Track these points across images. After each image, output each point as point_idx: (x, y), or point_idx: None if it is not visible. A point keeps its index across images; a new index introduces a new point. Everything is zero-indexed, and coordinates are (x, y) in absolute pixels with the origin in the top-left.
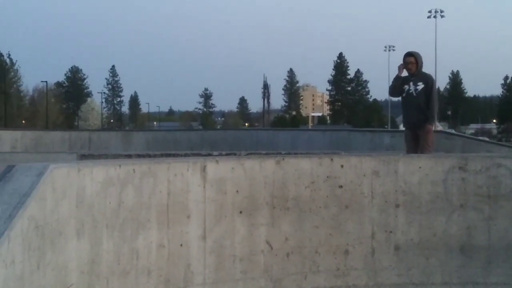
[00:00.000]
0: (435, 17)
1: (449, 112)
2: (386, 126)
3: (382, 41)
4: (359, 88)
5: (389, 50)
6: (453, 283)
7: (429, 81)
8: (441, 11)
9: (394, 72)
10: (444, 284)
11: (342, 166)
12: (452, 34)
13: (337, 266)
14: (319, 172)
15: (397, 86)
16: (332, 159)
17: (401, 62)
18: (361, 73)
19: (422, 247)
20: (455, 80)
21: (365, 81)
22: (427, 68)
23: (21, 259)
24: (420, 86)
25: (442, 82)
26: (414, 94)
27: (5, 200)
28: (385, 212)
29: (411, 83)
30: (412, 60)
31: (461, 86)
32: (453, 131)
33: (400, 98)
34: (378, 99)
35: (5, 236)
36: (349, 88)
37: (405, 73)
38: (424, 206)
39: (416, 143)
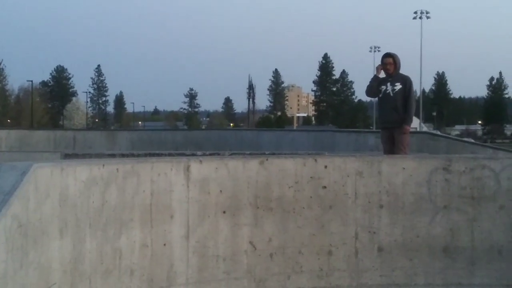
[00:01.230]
0: (420, 18)
1: (434, 113)
2: (371, 127)
3: (368, 42)
4: (344, 88)
5: (375, 51)
6: (437, 284)
7: (407, 82)
8: (427, 12)
9: None
10: (427, 285)
11: (326, 166)
12: (438, 36)
13: (320, 267)
14: (303, 173)
15: (374, 86)
16: (316, 160)
17: (380, 63)
18: (347, 74)
19: (406, 248)
20: (441, 81)
21: (350, 81)
22: (413, 69)
23: (4, 258)
24: (398, 86)
25: (427, 83)
26: (391, 94)
27: None
28: (368, 212)
29: (388, 84)
30: (390, 61)
31: (447, 87)
32: (438, 132)
33: (377, 99)
34: (363, 100)
35: None
36: (334, 89)
37: (383, 74)
38: (407, 207)
39: (391, 143)
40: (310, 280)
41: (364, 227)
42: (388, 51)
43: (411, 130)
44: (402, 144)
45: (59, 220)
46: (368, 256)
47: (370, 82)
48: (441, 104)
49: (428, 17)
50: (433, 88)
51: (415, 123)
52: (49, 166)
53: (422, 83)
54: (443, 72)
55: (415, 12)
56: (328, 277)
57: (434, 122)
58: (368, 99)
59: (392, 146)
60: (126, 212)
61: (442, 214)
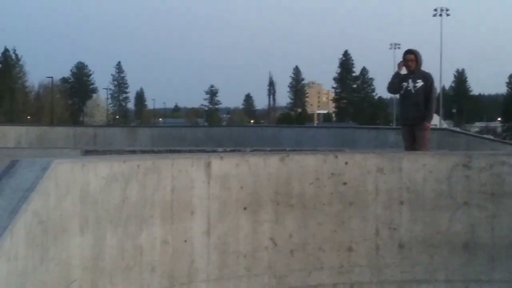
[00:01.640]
0: (440, 15)
1: (454, 110)
2: (391, 124)
3: (388, 39)
4: (365, 85)
5: (395, 48)
6: (457, 280)
7: (429, 79)
8: (447, 10)
9: None
10: (447, 282)
11: (346, 163)
12: (458, 33)
13: (341, 263)
14: (324, 169)
15: (395, 83)
16: (336, 156)
17: (401, 59)
18: (367, 71)
19: (426, 244)
20: (460, 78)
21: (371, 78)
22: (433, 67)
23: (24, 254)
24: (419, 83)
25: (447, 81)
26: (413, 91)
27: (9, 195)
28: (389, 209)
29: (410, 81)
30: (412, 57)
31: (466, 85)
32: (458, 129)
33: (398, 96)
34: (384, 96)
35: (8, 231)
36: (354, 86)
37: (404, 71)
38: (428, 203)
39: (412, 140)
40: (330, 277)
41: (384, 224)
42: (408, 48)
43: (431, 127)
44: (423, 141)
45: (80, 216)
46: (388, 253)
47: (391, 78)
48: (461, 101)
49: (448, 15)
50: (453, 85)
51: (435, 120)
52: (70, 162)
53: (442, 80)
54: (463, 69)
55: (435, 10)
56: (348, 273)
57: (454, 119)
58: (389, 96)
59: (413, 143)
60: (147, 208)
61: (463, 211)
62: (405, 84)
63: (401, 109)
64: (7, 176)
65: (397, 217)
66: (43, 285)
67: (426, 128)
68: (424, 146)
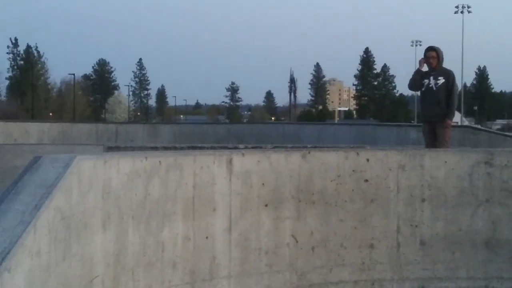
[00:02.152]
0: (462, 12)
1: (476, 108)
2: (412, 121)
3: (409, 36)
4: (386, 83)
5: (416, 45)
6: (478, 277)
7: (450, 76)
8: (468, 7)
9: None
10: (469, 279)
11: (368, 160)
12: (479, 30)
13: (362, 260)
14: (345, 166)
15: (417, 80)
16: (358, 153)
17: (422, 56)
18: (388, 68)
19: (448, 241)
20: (482, 75)
21: (392, 76)
22: (454, 64)
23: (47, 250)
24: (441, 80)
25: (468, 78)
26: (434, 89)
27: (32, 191)
28: (410, 206)
29: (431, 78)
30: (433, 54)
31: (488, 82)
32: (479, 126)
33: (419, 93)
34: (405, 94)
35: (31, 227)
36: (375, 83)
37: (425, 68)
38: (449, 200)
39: (433, 137)
40: (352, 274)
41: (406, 221)
42: (430, 45)
43: (452, 124)
44: (444, 138)
45: (102, 212)
46: (410, 250)
47: (413, 75)
48: (482, 98)
49: (469, 11)
50: (475, 82)
51: (457, 117)
52: (92, 159)
53: (464, 77)
54: (484, 67)
55: (457, 6)
56: (370, 270)
57: (475, 116)
58: (410, 93)
59: (434, 140)
60: (169, 204)
61: (484, 208)
62: (426, 81)
63: (422, 106)
64: (30, 172)
65: (419, 214)
66: (66, 281)
67: (447, 126)
68: (445, 144)
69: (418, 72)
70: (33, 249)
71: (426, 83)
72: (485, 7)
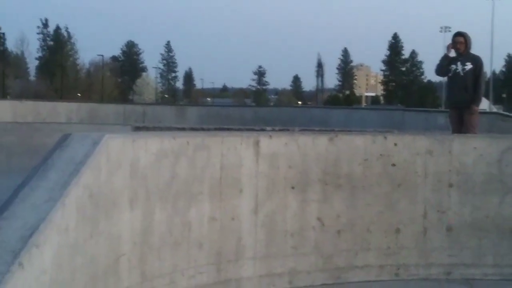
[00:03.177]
0: None
1: (504, 95)
2: (440, 107)
3: (438, 22)
4: (414, 68)
5: (445, 31)
6: (505, 265)
7: (478, 62)
8: None
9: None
10: (495, 266)
11: (395, 144)
12: (510, 17)
13: (388, 245)
14: (373, 150)
15: (444, 65)
16: (385, 137)
17: (450, 42)
18: (416, 54)
19: (475, 228)
20: (511, 63)
21: (420, 61)
22: (483, 50)
23: (75, 227)
24: (468, 66)
25: (498, 65)
26: (461, 74)
27: (61, 167)
28: (438, 192)
29: (458, 63)
30: (461, 40)
31: None
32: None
33: (446, 78)
34: (432, 80)
35: (60, 203)
36: (403, 69)
37: (453, 54)
38: (477, 187)
39: (460, 123)
40: (377, 258)
41: (433, 206)
42: (459, 30)
43: (479, 111)
44: (471, 124)
45: (130, 191)
46: (436, 236)
47: (440, 61)
48: (511, 85)
49: None
50: (504, 69)
51: (485, 104)
52: (121, 137)
53: (493, 64)
54: None
55: None
56: (395, 255)
57: (504, 103)
58: (438, 79)
59: (460, 126)
60: (196, 185)
61: None
62: (453, 66)
63: (449, 92)
64: (60, 150)
65: (446, 200)
66: (93, 258)
67: (474, 112)
68: (472, 130)
69: (445, 58)
70: (61, 226)
71: (453, 69)
72: None
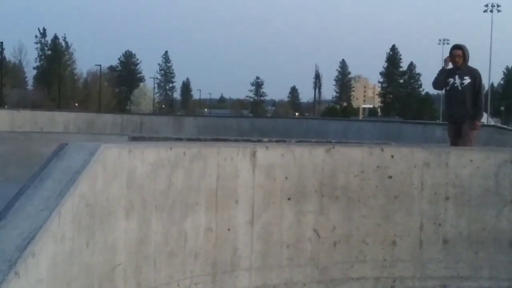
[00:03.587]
0: (491, 11)
1: (502, 108)
2: (438, 120)
3: (436, 34)
4: (412, 81)
5: (443, 44)
6: (502, 278)
7: (477, 76)
8: (498, 6)
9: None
10: (492, 279)
11: (392, 156)
12: (508, 29)
13: (384, 257)
14: (369, 162)
15: (441, 79)
16: (382, 149)
17: (448, 55)
18: (414, 66)
19: (471, 240)
20: (510, 75)
21: (418, 74)
22: (482, 63)
23: (71, 236)
24: (467, 80)
25: (496, 78)
26: (460, 88)
27: (57, 177)
28: (434, 204)
29: (456, 77)
30: (459, 53)
31: None
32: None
33: (444, 92)
34: (430, 92)
35: (56, 212)
36: (401, 81)
37: (451, 66)
38: (474, 199)
39: (458, 137)
40: (373, 270)
41: (429, 219)
42: (457, 43)
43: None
44: (469, 138)
45: (126, 201)
46: (432, 248)
47: (437, 74)
48: (509, 98)
49: (499, 11)
50: (502, 82)
51: (483, 117)
52: (117, 147)
53: (491, 77)
54: None
55: (486, 5)
56: (391, 267)
57: (502, 116)
58: (436, 92)
59: (458, 140)
60: (192, 195)
61: (510, 208)
62: (451, 80)
63: (447, 106)
64: (56, 159)
65: (442, 212)
66: (89, 268)
67: (476, 127)
68: (469, 144)
69: (443, 71)
70: (57, 235)
71: (451, 82)
72: None
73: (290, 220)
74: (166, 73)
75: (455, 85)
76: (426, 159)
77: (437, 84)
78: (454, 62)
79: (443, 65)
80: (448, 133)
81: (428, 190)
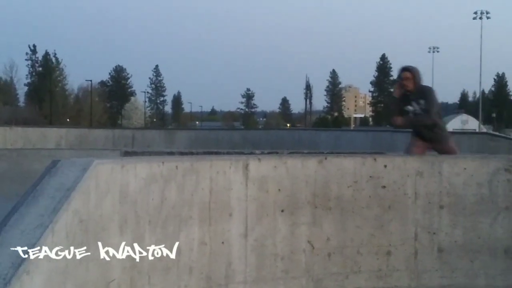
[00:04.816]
0: (480, 18)
1: (494, 115)
2: None
3: (426, 43)
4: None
5: (433, 52)
6: (498, 286)
7: (426, 93)
8: (487, 13)
9: (438, 74)
10: (488, 287)
11: (385, 166)
12: (498, 36)
13: (379, 267)
14: (362, 172)
15: (396, 111)
16: (375, 159)
17: (401, 78)
18: None
19: (466, 249)
20: (500, 82)
21: None
22: (472, 70)
23: (65, 253)
24: (423, 103)
25: (487, 85)
26: (421, 113)
27: (50, 193)
28: (428, 213)
29: (413, 103)
30: (408, 75)
31: (507, 89)
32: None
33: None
34: None
35: (49, 229)
36: (392, 90)
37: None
38: (468, 208)
39: (424, 150)
40: (368, 280)
41: (424, 228)
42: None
43: (469, 131)
44: (450, 147)
45: (119, 216)
46: (427, 257)
47: (392, 108)
48: (501, 105)
49: (488, 18)
50: (493, 89)
51: (474, 124)
52: (110, 163)
53: (482, 84)
54: (503, 73)
55: (475, 13)
56: (387, 277)
57: (494, 123)
58: None
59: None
60: (185, 209)
61: (504, 215)
62: (410, 108)
63: (414, 132)
64: (49, 176)
65: (437, 221)
66: (83, 284)
67: (451, 143)
68: (454, 150)
69: (396, 103)
70: (52, 252)
71: (411, 110)
72: (504, 13)
73: (284, 232)
74: (157, 87)
75: (416, 111)
76: (419, 168)
77: (396, 121)
78: (404, 86)
79: (394, 94)
80: (411, 142)
81: (422, 199)
